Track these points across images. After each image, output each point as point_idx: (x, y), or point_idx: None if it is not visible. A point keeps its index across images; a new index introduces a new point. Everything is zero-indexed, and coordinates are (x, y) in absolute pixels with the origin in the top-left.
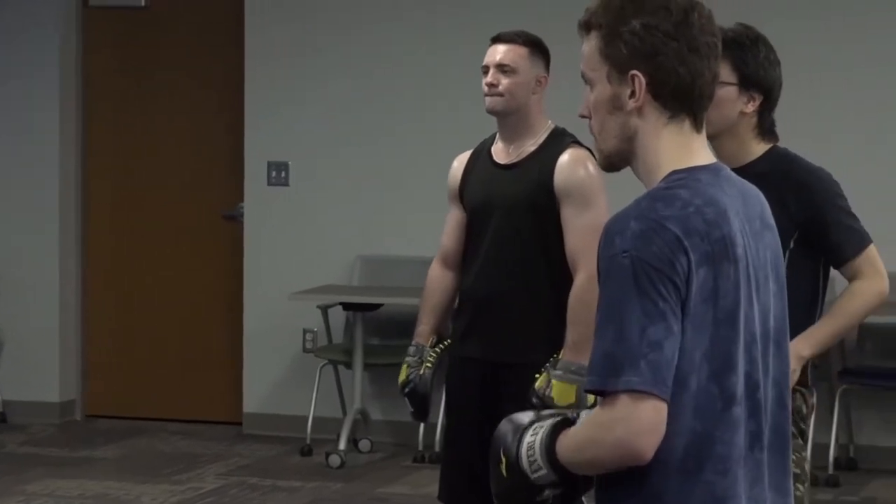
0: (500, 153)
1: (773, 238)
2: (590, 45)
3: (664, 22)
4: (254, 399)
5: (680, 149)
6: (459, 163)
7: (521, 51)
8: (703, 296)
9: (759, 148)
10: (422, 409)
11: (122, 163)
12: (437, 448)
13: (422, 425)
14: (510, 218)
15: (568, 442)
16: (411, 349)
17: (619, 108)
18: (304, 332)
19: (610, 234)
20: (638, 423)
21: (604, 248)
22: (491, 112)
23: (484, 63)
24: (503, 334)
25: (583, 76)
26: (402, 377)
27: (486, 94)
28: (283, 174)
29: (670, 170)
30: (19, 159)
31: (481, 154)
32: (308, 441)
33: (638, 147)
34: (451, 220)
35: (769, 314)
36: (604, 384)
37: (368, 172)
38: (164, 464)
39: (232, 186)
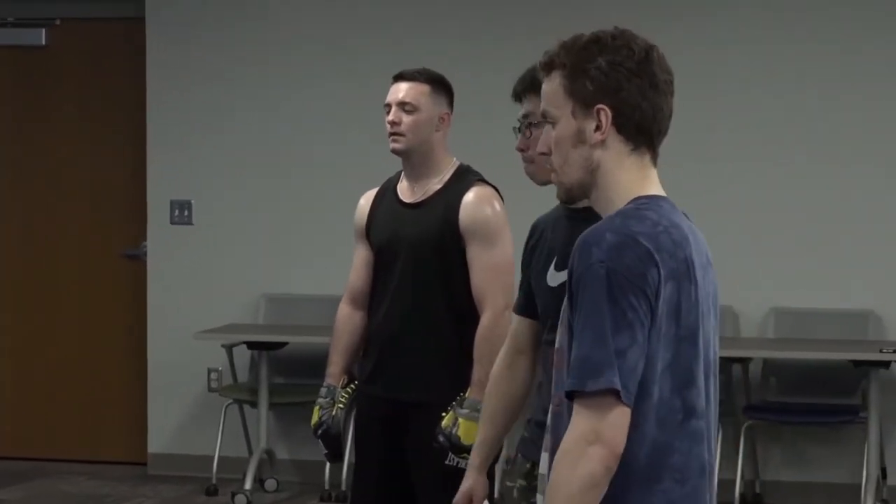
0: (406, 191)
1: (714, 276)
2: (552, 83)
3: (628, 60)
4: (158, 439)
5: (641, 179)
6: (366, 200)
7: (422, 88)
8: (668, 310)
9: None
10: (336, 450)
11: (22, 202)
12: (343, 487)
13: (328, 464)
14: (416, 256)
15: (553, 481)
16: (323, 390)
17: (583, 141)
18: (209, 371)
19: (587, 244)
20: (614, 424)
21: (580, 259)
22: (394, 152)
23: (386, 101)
24: (408, 373)
25: (544, 114)
26: (314, 419)
27: (389, 134)
28: (186, 212)
29: (633, 196)
30: None
31: (387, 192)
32: (214, 481)
33: (600, 178)
34: (359, 259)
35: (710, 346)
36: (583, 385)
37: (272, 210)
38: None
39: (134, 225)
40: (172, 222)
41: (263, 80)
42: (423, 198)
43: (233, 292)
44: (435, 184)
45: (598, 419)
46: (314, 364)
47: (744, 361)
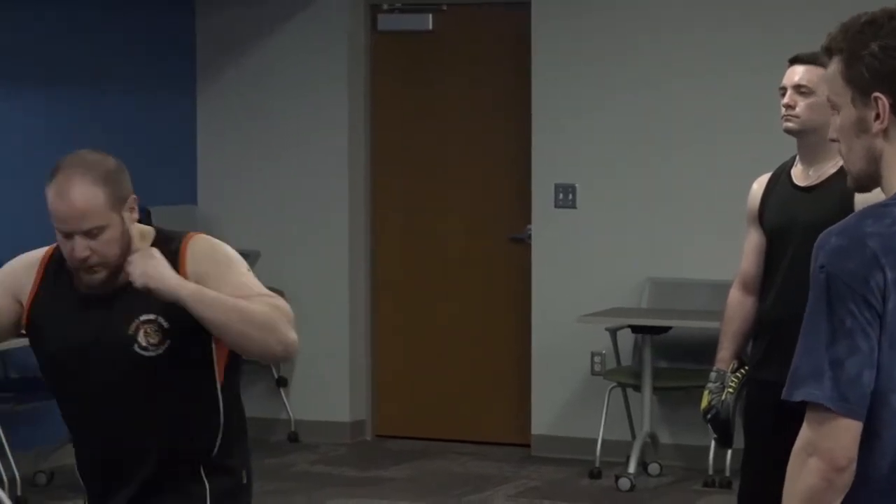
0: (800, 175)
1: None
2: (833, 69)
3: None
4: (542, 421)
5: None
6: (759, 185)
7: (819, 72)
8: None
9: None
10: (725, 435)
11: (409, 185)
12: (727, 472)
13: (711, 449)
14: (810, 241)
15: (784, 490)
16: (712, 375)
17: (865, 130)
18: (593, 354)
19: (816, 247)
20: (830, 437)
21: (812, 263)
22: (788, 132)
23: (781, 84)
24: None
25: (828, 101)
26: (703, 404)
27: (783, 115)
28: (570, 196)
29: None
30: (310, 180)
31: (780, 176)
32: (597, 464)
33: (883, 168)
34: (751, 244)
35: None
36: (789, 394)
37: (657, 194)
38: (454, 485)
39: (519, 209)
40: (556, 206)
41: (647, 63)
42: (817, 181)
43: (617, 276)
44: (830, 167)
45: (814, 430)
46: (699, 349)
47: None
